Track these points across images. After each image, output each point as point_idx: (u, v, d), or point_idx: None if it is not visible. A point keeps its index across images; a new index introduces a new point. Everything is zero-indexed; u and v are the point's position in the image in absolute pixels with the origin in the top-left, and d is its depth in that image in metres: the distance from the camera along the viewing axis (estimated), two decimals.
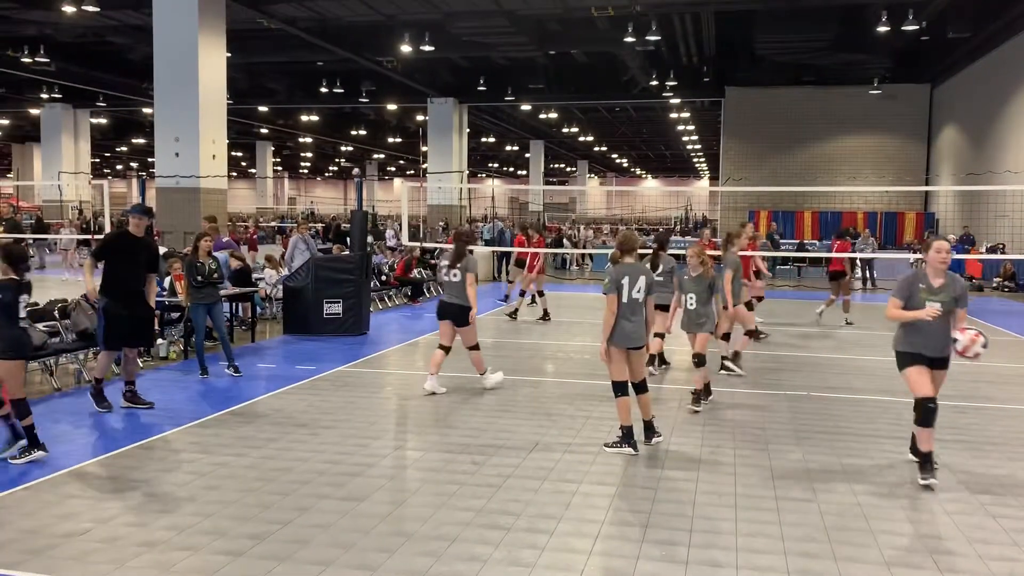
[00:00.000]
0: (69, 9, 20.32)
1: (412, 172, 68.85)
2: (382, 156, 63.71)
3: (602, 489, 5.93)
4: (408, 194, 17.18)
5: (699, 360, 8.37)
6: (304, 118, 43.39)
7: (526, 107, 37.68)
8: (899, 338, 6.26)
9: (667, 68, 29.30)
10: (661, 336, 10.04)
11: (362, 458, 6.55)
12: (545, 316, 14.82)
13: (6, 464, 6.27)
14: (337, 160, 69.96)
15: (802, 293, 20.88)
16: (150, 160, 28.23)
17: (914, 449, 6.40)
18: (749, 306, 11.26)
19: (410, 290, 17.88)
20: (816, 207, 32.96)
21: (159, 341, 10.64)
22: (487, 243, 24.78)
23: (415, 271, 18.35)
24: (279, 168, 71.84)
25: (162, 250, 14.36)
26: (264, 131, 47.25)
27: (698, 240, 15.69)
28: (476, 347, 9.10)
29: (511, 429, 7.48)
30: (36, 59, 26.53)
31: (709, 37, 25.74)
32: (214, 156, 18.70)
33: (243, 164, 66.02)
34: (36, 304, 9.97)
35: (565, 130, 46.81)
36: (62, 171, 35.15)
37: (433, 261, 20.74)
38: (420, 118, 39.03)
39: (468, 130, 36.16)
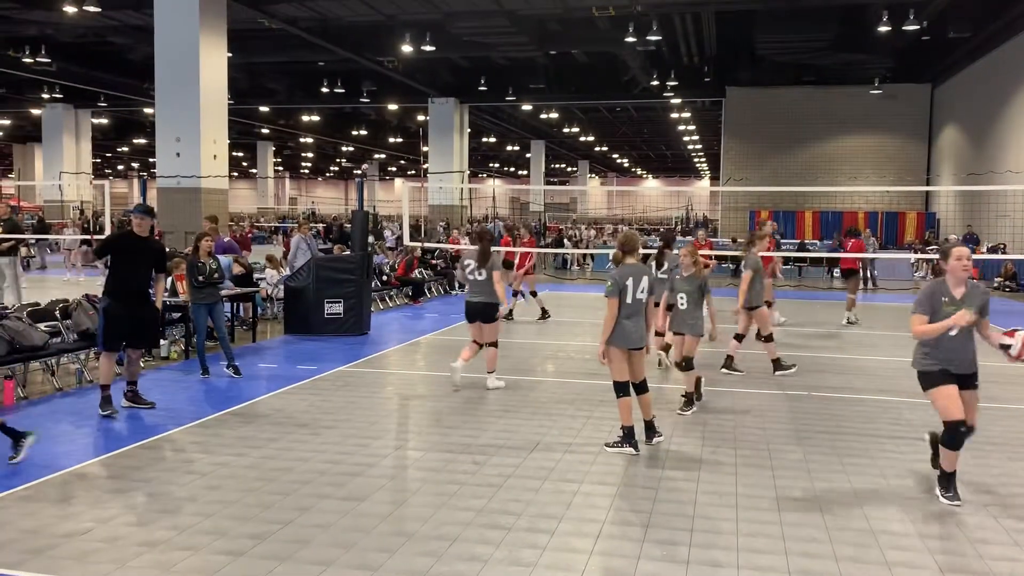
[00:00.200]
0: (70, 9, 20.35)
1: (413, 172, 68.86)
2: (383, 156, 63.74)
3: (603, 489, 5.93)
4: (409, 194, 17.18)
5: (686, 364, 8.24)
6: (305, 118, 43.42)
7: (527, 107, 37.70)
8: (919, 356, 5.74)
9: (668, 68, 29.31)
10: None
11: (363, 458, 6.55)
12: (544, 315, 14.81)
13: (6, 464, 6.28)
14: (338, 160, 69.99)
15: (802, 293, 20.88)
16: (151, 160, 28.30)
17: (935, 462, 6.02)
18: (768, 305, 11.35)
19: (411, 290, 17.88)
20: (817, 207, 32.97)
21: (160, 342, 10.64)
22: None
23: (416, 271, 18.35)
24: (280, 168, 71.87)
25: None
26: (265, 131, 47.28)
27: (692, 240, 15.68)
28: (495, 344, 9.25)
29: (512, 429, 7.48)
30: (37, 59, 26.56)
31: (710, 37, 25.75)
32: (215, 156, 18.71)
33: (244, 164, 66.06)
34: (37, 304, 10.00)
35: (566, 130, 46.83)
36: (63, 171, 35.20)
37: (434, 261, 20.77)
38: (421, 118, 39.06)
39: (469, 130, 36.18)
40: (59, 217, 34.37)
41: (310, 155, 66.23)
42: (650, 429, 7.04)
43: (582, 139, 50.34)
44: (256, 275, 14.42)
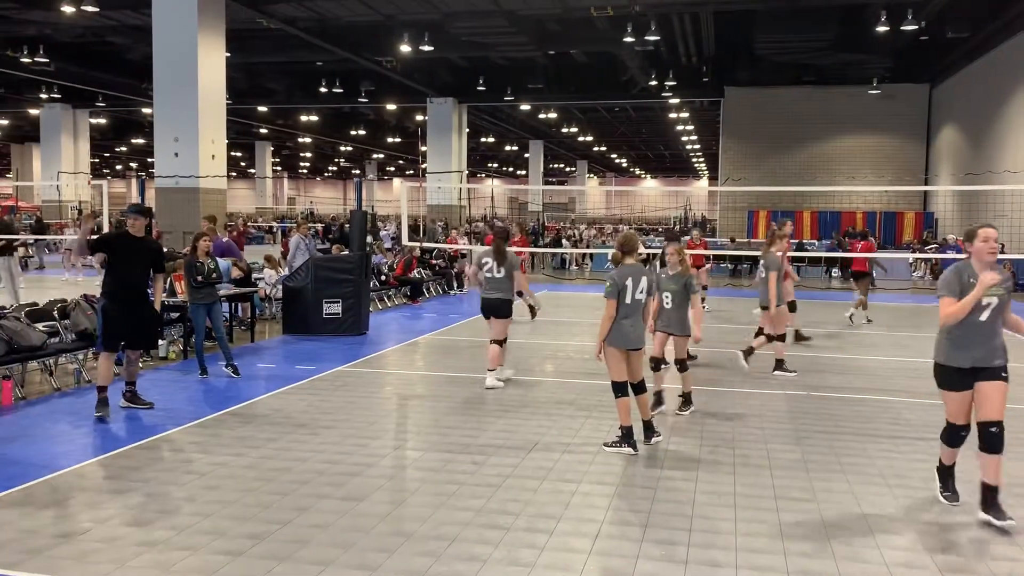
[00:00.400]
0: (68, 9, 20.32)
1: (412, 172, 68.86)
2: (381, 156, 63.74)
3: (601, 489, 5.93)
4: (408, 194, 17.18)
5: (681, 366, 8.15)
6: (303, 118, 43.40)
7: (525, 107, 37.70)
8: (941, 347, 5.39)
9: (666, 68, 29.31)
10: None
11: (361, 458, 6.55)
12: (532, 313, 14.72)
13: (4, 464, 6.27)
14: (336, 160, 69.98)
15: (801, 293, 20.85)
16: (149, 160, 28.23)
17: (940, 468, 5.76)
18: (792, 307, 11.39)
19: (409, 290, 17.88)
20: (815, 207, 32.99)
21: (159, 342, 10.63)
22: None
23: (415, 271, 18.35)
24: (278, 168, 71.86)
25: None
26: (263, 131, 47.27)
27: (687, 240, 15.64)
28: (502, 342, 9.34)
29: (510, 429, 7.48)
30: (35, 59, 26.53)
31: (708, 37, 25.75)
32: (213, 156, 18.70)
33: (242, 164, 66.02)
34: (35, 304, 9.99)
35: (564, 130, 46.84)
36: (61, 171, 35.18)
37: (434, 261, 20.77)
38: (419, 118, 39.04)
39: (467, 130, 36.17)
40: (57, 217, 34.36)
41: (308, 155, 66.22)
42: (648, 429, 7.04)
43: (581, 139, 50.34)
44: (255, 275, 14.41)
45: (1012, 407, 8.64)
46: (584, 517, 5.36)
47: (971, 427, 5.38)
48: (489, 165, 72.49)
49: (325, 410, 8.11)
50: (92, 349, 9.35)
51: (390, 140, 51.88)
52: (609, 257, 7.94)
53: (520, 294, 15.09)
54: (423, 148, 35.32)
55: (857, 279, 15.36)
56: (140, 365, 8.53)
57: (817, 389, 9.37)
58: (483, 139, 50.92)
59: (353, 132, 48.14)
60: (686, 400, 8.21)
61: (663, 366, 8.20)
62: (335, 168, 77.19)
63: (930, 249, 25.31)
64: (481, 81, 31.09)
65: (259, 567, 4.55)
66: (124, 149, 59.21)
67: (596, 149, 58.90)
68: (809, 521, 5.35)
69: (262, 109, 38.46)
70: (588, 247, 32.01)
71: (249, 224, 42.04)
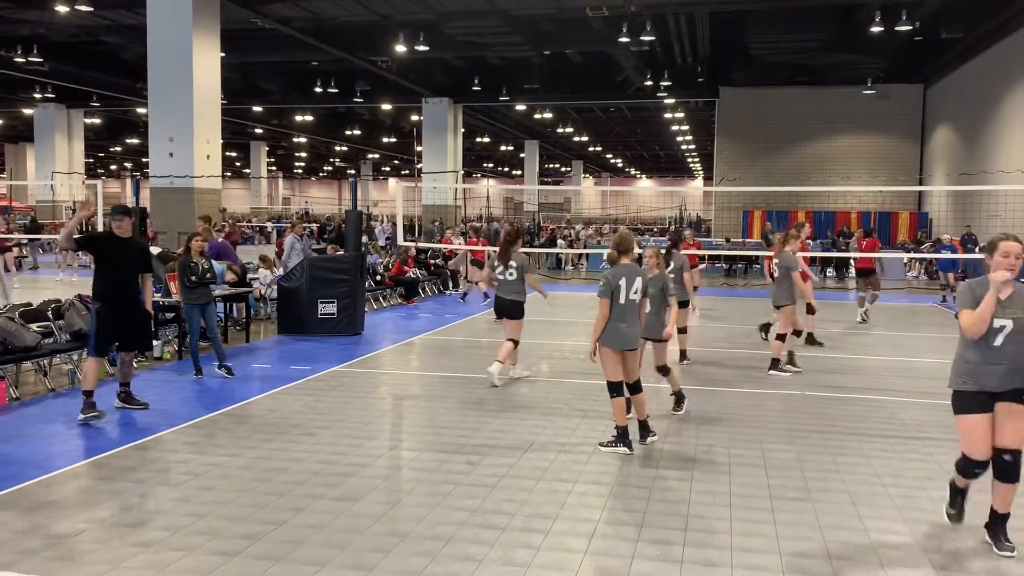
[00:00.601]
0: (62, 9, 20.28)
1: (407, 172, 68.82)
2: (377, 156, 63.70)
3: (597, 489, 5.93)
4: (403, 194, 17.16)
5: (663, 370, 7.99)
6: (298, 118, 43.36)
7: (521, 107, 37.71)
8: (958, 370, 4.98)
9: (661, 68, 29.36)
10: (684, 331, 10.63)
11: (357, 458, 6.54)
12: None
13: (1, 464, 6.25)
14: (332, 160, 69.90)
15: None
16: (144, 160, 28.21)
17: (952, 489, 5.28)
18: (811, 310, 11.43)
19: (404, 290, 17.87)
20: (810, 207, 33.05)
21: (153, 342, 10.61)
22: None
23: (410, 271, 18.34)
24: (273, 168, 71.77)
25: (155, 250, 14.34)
26: (258, 131, 47.21)
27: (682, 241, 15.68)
28: (516, 342, 9.51)
29: (506, 429, 7.48)
30: (29, 59, 26.47)
31: (703, 37, 25.80)
32: (208, 156, 18.67)
33: (237, 164, 65.95)
34: (30, 304, 9.96)
35: (560, 130, 46.88)
36: (55, 171, 35.11)
37: (431, 262, 20.76)
38: (415, 118, 39.05)
39: (463, 130, 36.19)
40: (51, 217, 34.26)
41: (303, 155, 66.14)
42: (644, 429, 7.05)
43: (576, 139, 50.39)
44: (250, 275, 14.39)
45: None
46: (580, 517, 5.37)
47: (1018, 451, 4.85)
48: (485, 165, 72.50)
49: (320, 410, 8.11)
50: (85, 350, 9.31)
51: (385, 140, 51.86)
52: (604, 257, 7.91)
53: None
54: (418, 148, 35.30)
55: (864, 277, 15.42)
56: (135, 366, 8.50)
57: (811, 388, 9.38)
58: (478, 139, 50.95)
59: (348, 132, 48.11)
60: (679, 399, 8.18)
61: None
62: (330, 168, 77.10)
63: (924, 249, 25.40)
64: (476, 81, 31.10)
65: (254, 568, 4.55)
66: (119, 149, 59.10)
67: (591, 149, 58.95)
68: (804, 521, 5.36)
69: (257, 109, 38.42)
70: (585, 247, 32.03)
71: (237, 224, 41.88)
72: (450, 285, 20.21)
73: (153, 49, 18.32)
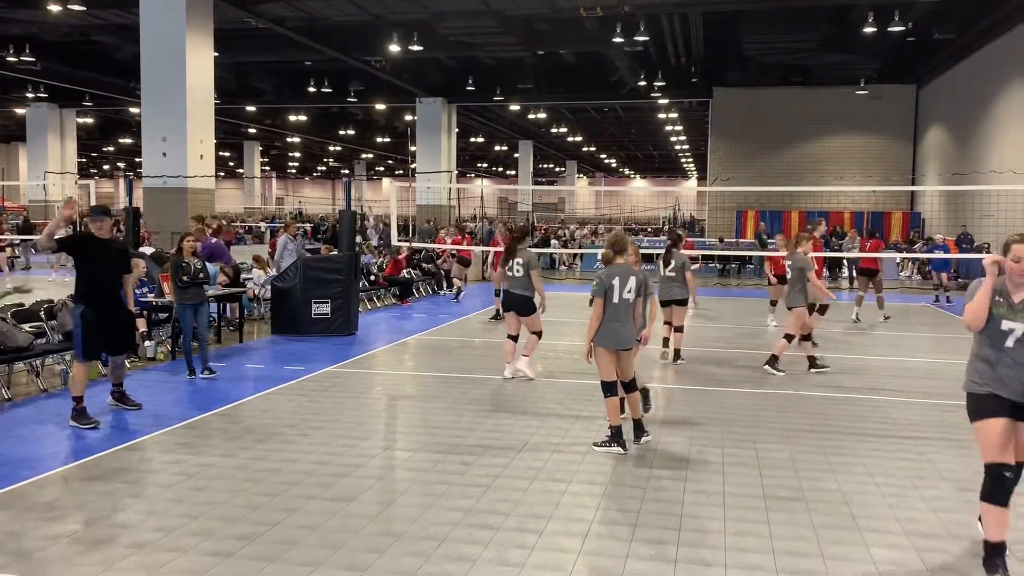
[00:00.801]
0: (55, 8, 20.20)
1: (401, 172, 68.76)
2: (370, 156, 63.61)
3: (591, 488, 5.94)
4: (397, 194, 17.14)
5: (629, 385, 7.23)
6: (292, 118, 43.29)
7: (515, 107, 37.70)
8: (972, 370, 4.68)
9: (655, 68, 29.38)
10: (680, 330, 10.75)
11: (351, 459, 6.53)
12: (497, 316, 14.58)
13: None
14: (325, 160, 69.79)
15: None
16: (137, 160, 28.13)
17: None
18: (823, 310, 11.44)
19: (398, 290, 17.85)
20: (803, 207, 33.10)
21: (147, 343, 10.58)
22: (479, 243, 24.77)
23: (404, 271, 18.32)
24: (267, 168, 71.60)
25: (149, 251, 14.30)
26: (252, 131, 47.10)
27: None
28: (538, 334, 9.78)
29: (500, 429, 7.48)
30: (21, 58, 26.36)
31: (697, 38, 25.83)
32: (201, 156, 18.61)
33: (231, 164, 65.76)
34: (22, 304, 9.92)
35: (554, 130, 46.87)
36: (48, 171, 34.96)
37: (425, 265, 20.71)
38: (409, 118, 39.01)
39: (457, 130, 36.16)
40: (44, 217, 34.11)
41: (297, 155, 66.03)
42: (638, 428, 7.05)
43: (570, 139, 50.40)
44: (243, 275, 14.36)
45: None
46: (574, 517, 5.37)
47: (1018, 469, 4.53)
48: (479, 165, 72.49)
49: (314, 411, 8.09)
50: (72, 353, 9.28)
51: (379, 140, 51.79)
52: (599, 257, 7.89)
53: (498, 293, 15.13)
54: (412, 148, 35.28)
55: (868, 277, 15.47)
56: (128, 366, 8.46)
57: (805, 388, 9.41)
58: (472, 139, 50.92)
59: (342, 132, 48.03)
60: (644, 398, 7.68)
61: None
62: (324, 168, 76.98)
63: (916, 249, 25.46)
64: (470, 81, 31.08)
65: (248, 568, 4.54)
66: (111, 149, 58.90)
67: (585, 149, 58.99)
68: (798, 521, 5.37)
69: (250, 109, 38.33)
70: (580, 247, 32.02)
71: (231, 223, 41.71)
72: (444, 285, 20.19)
73: (146, 48, 18.26)
